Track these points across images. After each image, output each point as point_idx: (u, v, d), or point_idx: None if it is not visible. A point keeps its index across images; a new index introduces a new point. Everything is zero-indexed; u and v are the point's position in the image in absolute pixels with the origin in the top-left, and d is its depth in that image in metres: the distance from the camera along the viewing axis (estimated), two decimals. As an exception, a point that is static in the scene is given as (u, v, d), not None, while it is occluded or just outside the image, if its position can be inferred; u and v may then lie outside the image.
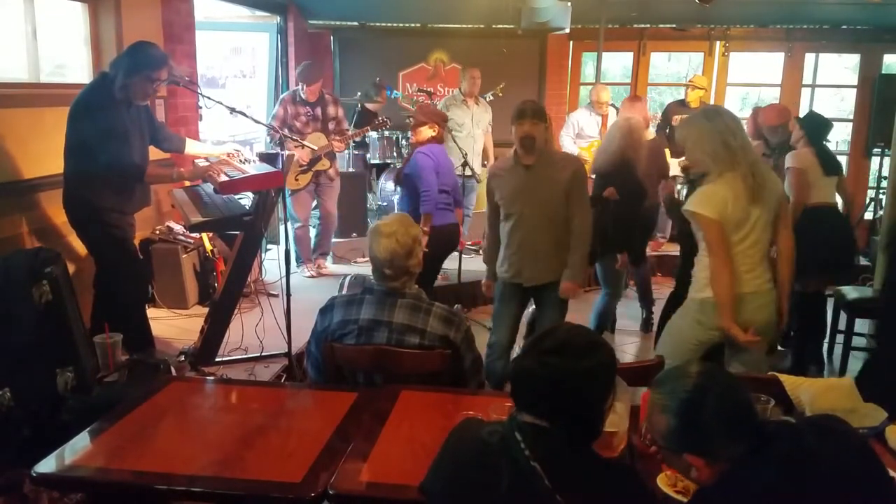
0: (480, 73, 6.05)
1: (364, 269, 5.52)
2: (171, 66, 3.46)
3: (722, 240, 2.58)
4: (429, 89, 6.64)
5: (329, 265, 5.75)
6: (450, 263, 4.81)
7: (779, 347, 4.55)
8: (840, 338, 4.38)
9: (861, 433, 1.83)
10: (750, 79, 9.08)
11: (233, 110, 3.63)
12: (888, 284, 3.28)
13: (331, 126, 5.44)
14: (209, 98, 3.65)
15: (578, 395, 1.38)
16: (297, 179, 5.35)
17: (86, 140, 3.25)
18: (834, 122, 4.39)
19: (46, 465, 1.80)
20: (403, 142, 6.08)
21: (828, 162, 3.97)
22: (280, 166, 3.50)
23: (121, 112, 3.33)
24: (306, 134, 5.33)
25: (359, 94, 6.46)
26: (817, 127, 4.03)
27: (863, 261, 6.12)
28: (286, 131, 5.07)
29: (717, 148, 2.58)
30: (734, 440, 1.38)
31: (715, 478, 1.39)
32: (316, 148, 5.18)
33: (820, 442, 1.37)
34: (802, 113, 7.62)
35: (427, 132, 4.19)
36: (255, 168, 3.60)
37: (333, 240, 5.86)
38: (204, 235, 4.78)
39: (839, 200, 4.20)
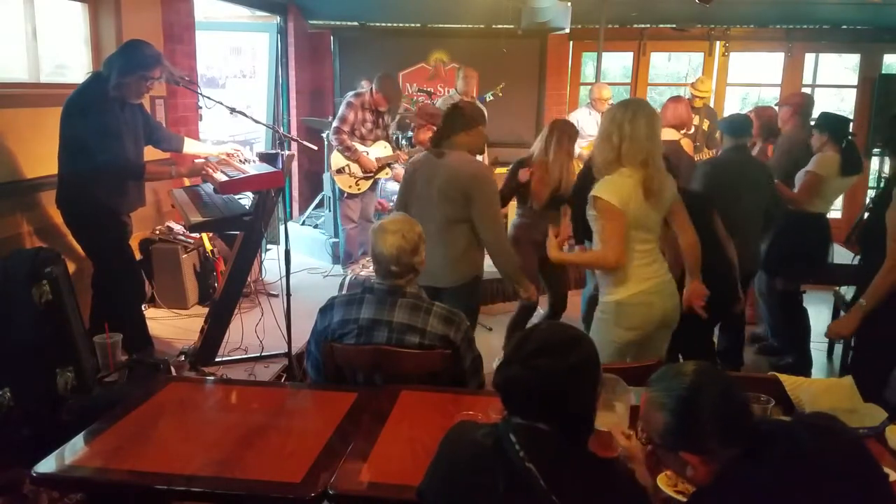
0: (478, 73, 6.06)
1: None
2: (165, 65, 3.47)
3: (620, 230, 2.54)
4: (429, 89, 6.64)
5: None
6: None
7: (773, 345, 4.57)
8: (840, 338, 4.39)
9: (858, 432, 1.84)
10: (750, 79, 9.08)
11: (233, 110, 3.63)
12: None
13: (386, 133, 5.58)
14: (209, 98, 3.66)
15: (569, 392, 1.38)
16: (357, 185, 5.43)
17: (80, 140, 3.26)
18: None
19: (46, 465, 1.80)
20: (404, 142, 6.08)
21: (850, 161, 3.92)
22: (280, 166, 3.50)
23: (115, 111, 3.33)
24: (369, 140, 5.44)
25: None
26: (838, 126, 3.96)
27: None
28: (346, 136, 5.29)
29: (623, 141, 2.56)
30: (730, 439, 1.38)
31: (711, 477, 1.39)
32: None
33: (815, 442, 1.37)
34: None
35: (429, 133, 4.23)
36: (255, 168, 3.60)
37: (334, 240, 5.89)
38: (204, 235, 4.79)
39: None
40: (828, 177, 3.89)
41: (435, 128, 4.31)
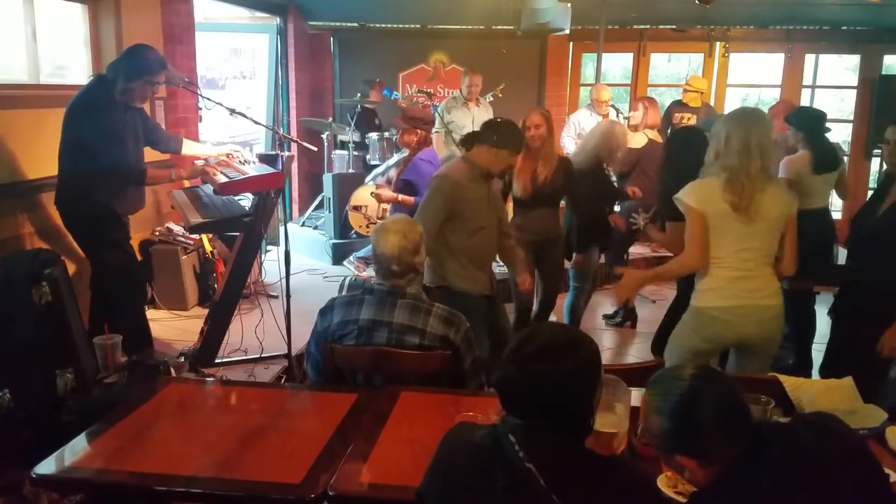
0: (481, 79, 5.99)
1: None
2: (170, 69, 3.48)
3: (698, 230, 2.54)
4: (429, 90, 6.64)
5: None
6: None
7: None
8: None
9: (858, 433, 1.83)
10: (750, 80, 9.08)
11: (232, 111, 3.64)
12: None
13: None
14: (209, 99, 3.66)
15: (567, 395, 1.37)
16: (368, 227, 5.35)
17: (83, 142, 3.26)
18: (834, 124, 4.34)
19: (46, 467, 1.80)
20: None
21: (822, 160, 3.81)
22: (280, 167, 3.50)
23: (118, 114, 3.34)
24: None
25: (358, 95, 6.48)
26: (813, 122, 3.83)
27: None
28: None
29: (722, 147, 2.54)
30: (728, 443, 1.37)
31: (710, 479, 1.38)
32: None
33: (816, 443, 1.37)
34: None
35: (412, 137, 4.29)
36: (255, 169, 3.60)
37: (334, 241, 5.89)
38: (204, 237, 4.79)
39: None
40: (798, 179, 3.78)
41: (418, 131, 4.35)
